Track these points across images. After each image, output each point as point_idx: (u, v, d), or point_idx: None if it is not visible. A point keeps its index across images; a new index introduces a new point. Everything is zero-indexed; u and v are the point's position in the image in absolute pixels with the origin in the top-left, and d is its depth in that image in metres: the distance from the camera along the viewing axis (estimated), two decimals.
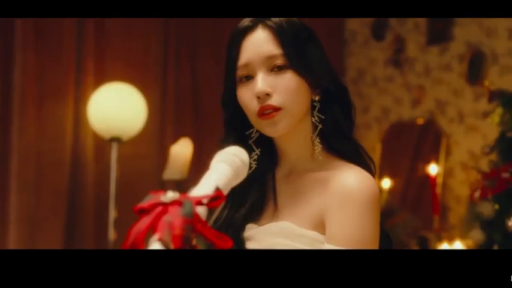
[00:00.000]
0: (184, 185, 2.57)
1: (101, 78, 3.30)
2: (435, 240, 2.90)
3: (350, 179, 1.04)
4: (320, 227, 1.03)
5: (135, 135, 3.14)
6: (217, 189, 0.80)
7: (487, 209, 2.20)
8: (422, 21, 3.60)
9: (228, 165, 0.84)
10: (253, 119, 1.09)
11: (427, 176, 3.26)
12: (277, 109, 1.05)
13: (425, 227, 3.27)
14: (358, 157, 1.11)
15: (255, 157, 1.11)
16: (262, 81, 1.05)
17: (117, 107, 3.04)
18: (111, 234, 3.01)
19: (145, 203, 0.75)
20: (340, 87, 1.12)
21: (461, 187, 3.31)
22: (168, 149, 3.55)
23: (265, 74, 1.06)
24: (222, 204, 1.16)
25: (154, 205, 0.74)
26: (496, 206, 2.19)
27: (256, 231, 1.07)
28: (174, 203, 0.72)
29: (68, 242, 3.20)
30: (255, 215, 1.11)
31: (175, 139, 3.53)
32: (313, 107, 1.10)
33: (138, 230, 0.72)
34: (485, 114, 2.38)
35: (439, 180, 3.26)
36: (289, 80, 1.06)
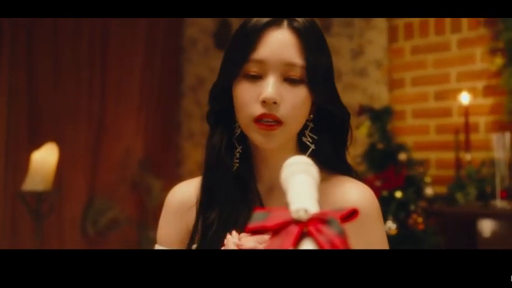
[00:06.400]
0: (47, 196, 2.27)
1: None
2: None
3: (361, 196, 1.00)
4: None
5: None
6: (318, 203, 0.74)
7: None
8: None
9: (309, 175, 0.78)
10: (246, 121, 0.98)
11: None
12: (279, 122, 0.96)
13: None
14: (346, 168, 1.08)
15: (237, 155, 1.04)
16: (273, 87, 0.95)
17: None
18: None
19: (267, 221, 0.66)
20: (344, 111, 1.04)
21: None
22: None
23: (278, 80, 0.96)
24: (213, 220, 1.07)
25: (285, 224, 0.65)
26: None
27: None
28: (313, 220, 0.65)
29: None
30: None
31: (6, 145, 3.12)
32: (305, 126, 1.02)
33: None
34: (356, 127, 2.57)
35: None
36: (300, 94, 0.97)
